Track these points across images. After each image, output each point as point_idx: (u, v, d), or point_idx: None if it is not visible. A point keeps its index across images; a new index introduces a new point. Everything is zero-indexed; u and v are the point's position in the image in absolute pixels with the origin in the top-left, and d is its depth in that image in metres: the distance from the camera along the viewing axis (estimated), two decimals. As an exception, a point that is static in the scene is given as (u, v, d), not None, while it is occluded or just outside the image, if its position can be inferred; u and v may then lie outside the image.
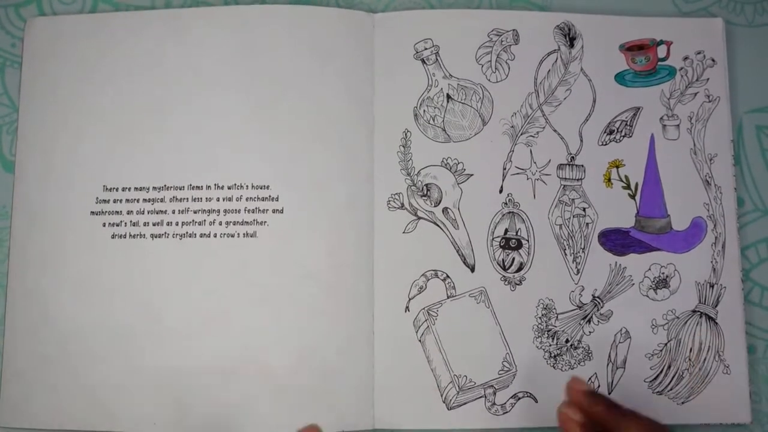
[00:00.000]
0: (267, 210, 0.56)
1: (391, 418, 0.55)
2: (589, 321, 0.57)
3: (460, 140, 0.58)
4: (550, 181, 0.58)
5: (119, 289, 0.55)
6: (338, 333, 0.55)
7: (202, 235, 0.56)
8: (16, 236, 0.57)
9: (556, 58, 0.60)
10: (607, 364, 0.56)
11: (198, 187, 0.56)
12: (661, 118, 0.59)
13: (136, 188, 0.57)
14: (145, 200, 0.57)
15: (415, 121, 0.58)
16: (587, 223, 0.58)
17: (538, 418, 0.55)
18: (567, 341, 0.56)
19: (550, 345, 0.56)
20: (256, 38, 0.58)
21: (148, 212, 0.56)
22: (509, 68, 0.59)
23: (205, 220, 0.56)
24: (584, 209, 0.58)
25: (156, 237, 0.56)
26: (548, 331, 0.56)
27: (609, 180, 0.59)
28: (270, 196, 0.56)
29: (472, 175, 0.58)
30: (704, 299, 0.57)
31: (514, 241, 0.57)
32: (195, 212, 0.56)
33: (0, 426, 0.55)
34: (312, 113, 0.57)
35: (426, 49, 0.59)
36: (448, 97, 0.59)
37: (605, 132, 0.59)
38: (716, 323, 0.57)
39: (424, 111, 0.58)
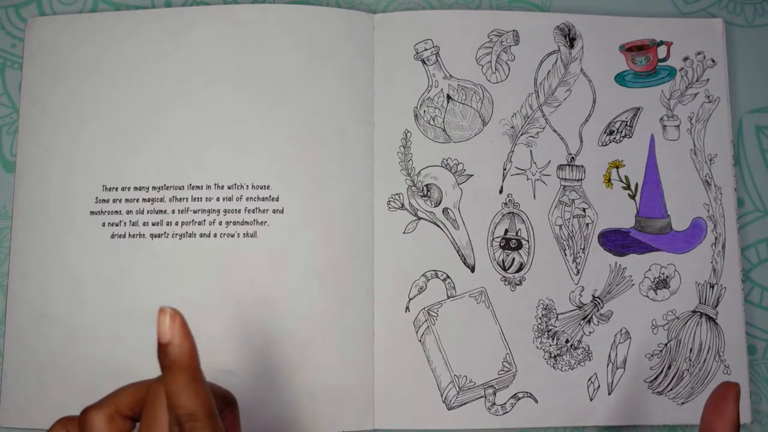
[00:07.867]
0: (267, 210, 0.56)
1: (391, 419, 0.55)
2: (589, 321, 0.57)
3: (460, 141, 0.58)
4: (550, 182, 0.58)
5: (119, 289, 0.55)
6: (338, 333, 0.55)
7: (202, 235, 0.56)
8: (16, 236, 0.57)
9: (556, 59, 0.60)
10: (607, 365, 0.56)
11: (198, 187, 0.56)
12: (661, 119, 0.59)
13: (135, 188, 0.57)
14: (144, 200, 0.57)
15: (416, 121, 0.58)
16: (587, 224, 0.58)
17: (538, 418, 0.55)
18: (567, 341, 0.56)
19: (550, 345, 0.56)
20: (256, 38, 0.58)
21: (148, 212, 0.56)
22: (509, 69, 0.59)
23: (205, 220, 0.56)
24: (584, 210, 0.58)
25: (156, 237, 0.56)
26: (548, 331, 0.56)
27: (609, 180, 0.59)
28: (270, 196, 0.56)
29: (472, 175, 0.58)
30: (704, 300, 0.57)
31: (514, 241, 0.57)
32: (195, 212, 0.56)
33: (0, 426, 0.55)
34: (312, 113, 0.57)
35: (426, 49, 0.59)
36: (449, 97, 0.59)
37: (605, 132, 0.59)
38: (716, 323, 0.57)
39: (425, 111, 0.58)
